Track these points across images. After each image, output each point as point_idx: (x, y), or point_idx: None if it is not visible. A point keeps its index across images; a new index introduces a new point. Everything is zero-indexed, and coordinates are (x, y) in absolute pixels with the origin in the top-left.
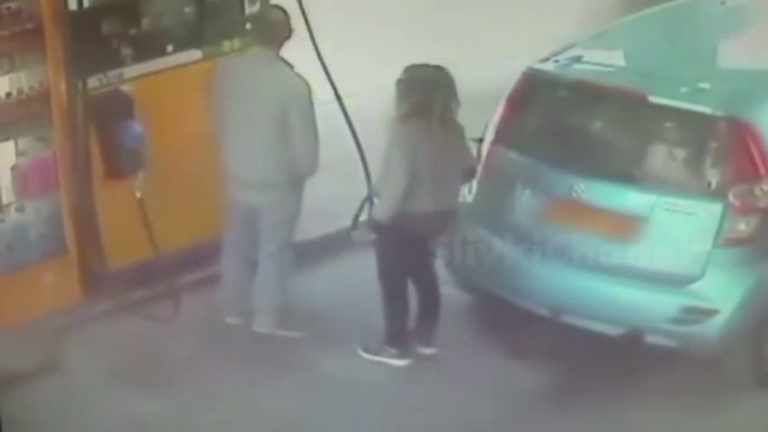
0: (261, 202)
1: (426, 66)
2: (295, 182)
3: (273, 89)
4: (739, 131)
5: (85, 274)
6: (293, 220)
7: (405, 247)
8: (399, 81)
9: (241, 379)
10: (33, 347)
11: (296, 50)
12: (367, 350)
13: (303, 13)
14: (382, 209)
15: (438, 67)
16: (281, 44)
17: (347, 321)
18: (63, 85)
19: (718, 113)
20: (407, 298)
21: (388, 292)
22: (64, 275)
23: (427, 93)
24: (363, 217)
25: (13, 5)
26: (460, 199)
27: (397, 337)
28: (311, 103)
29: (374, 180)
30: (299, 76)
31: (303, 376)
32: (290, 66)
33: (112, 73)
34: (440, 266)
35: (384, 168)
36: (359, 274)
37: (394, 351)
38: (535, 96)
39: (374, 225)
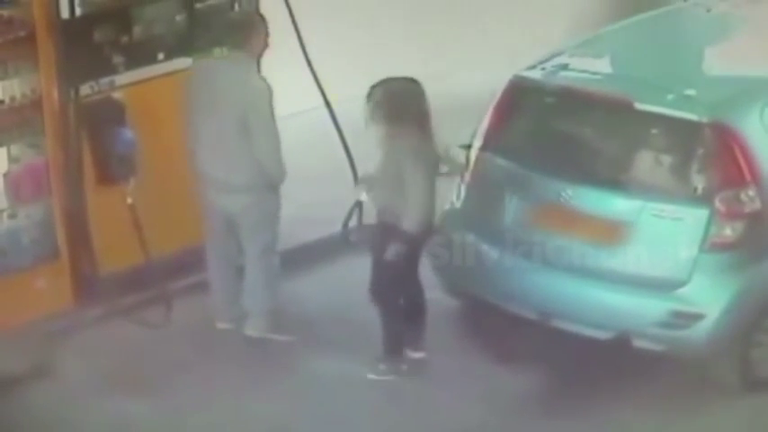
0: (237, 206)
1: (397, 79)
2: (269, 185)
3: (235, 92)
4: (725, 138)
5: (77, 280)
6: (273, 221)
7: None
8: (381, 96)
9: (233, 383)
10: (25, 352)
11: (283, 57)
12: (377, 372)
13: (293, 20)
14: (417, 222)
15: (410, 79)
16: (259, 51)
17: (338, 325)
18: (55, 93)
19: (704, 120)
20: (401, 306)
21: (387, 303)
22: (56, 280)
23: (418, 105)
24: (352, 222)
25: (5, 13)
26: (449, 205)
27: (394, 346)
28: (270, 107)
29: None
30: (261, 80)
31: (294, 380)
32: (257, 70)
33: (104, 80)
34: (428, 271)
35: (401, 184)
36: (350, 279)
37: (404, 367)
38: (522, 103)
39: (407, 238)
